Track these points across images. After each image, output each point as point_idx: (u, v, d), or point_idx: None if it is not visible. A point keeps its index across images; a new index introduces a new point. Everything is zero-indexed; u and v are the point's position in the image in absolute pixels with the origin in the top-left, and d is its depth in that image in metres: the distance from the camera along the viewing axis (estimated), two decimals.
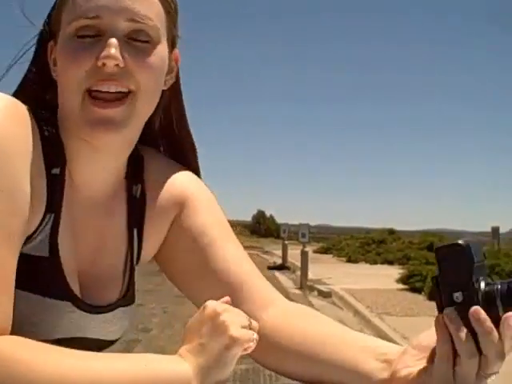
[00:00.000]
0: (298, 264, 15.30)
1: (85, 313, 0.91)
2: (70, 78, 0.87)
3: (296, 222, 18.29)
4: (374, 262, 22.14)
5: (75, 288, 0.91)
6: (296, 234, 18.48)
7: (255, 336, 0.83)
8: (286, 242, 21.27)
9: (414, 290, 12.68)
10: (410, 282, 13.16)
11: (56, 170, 0.89)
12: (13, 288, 0.79)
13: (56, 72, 0.93)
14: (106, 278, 0.97)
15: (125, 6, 0.87)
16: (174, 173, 1.06)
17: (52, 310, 0.87)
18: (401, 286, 13.31)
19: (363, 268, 16.74)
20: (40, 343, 0.77)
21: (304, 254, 14.52)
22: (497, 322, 0.74)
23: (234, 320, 0.82)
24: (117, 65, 0.86)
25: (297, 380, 0.96)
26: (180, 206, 1.04)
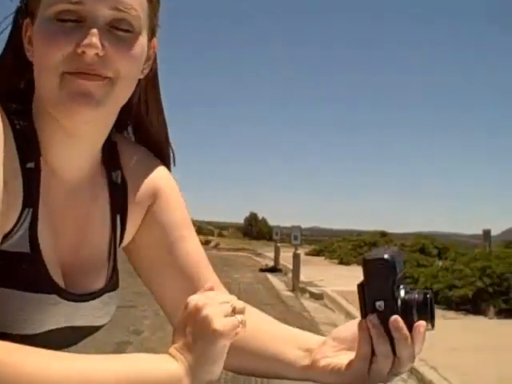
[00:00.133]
0: (290, 266, 15.29)
1: (72, 302, 0.91)
2: (48, 61, 0.86)
3: (288, 225, 18.30)
4: None
5: (59, 280, 0.90)
6: (288, 236, 18.48)
7: (240, 319, 0.83)
8: (279, 244, 21.27)
9: None
10: None
11: (31, 164, 0.89)
12: None
13: (30, 52, 0.91)
14: (90, 265, 0.96)
15: None
16: (149, 162, 1.07)
17: (39, 304, 0.87)
18: None
19: (355, 270, 16.70)
20: (28, 347, 0.77)
21: (296, 257, 14.51)
22: (411, 328, 0.83)
23: (216, 312, 0.81)
24: (96, 54, 0.85)
25: (233, 372, 1.04)
26: (154, 196, 1.05)
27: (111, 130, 0.98)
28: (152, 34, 0.96)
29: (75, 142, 0.92)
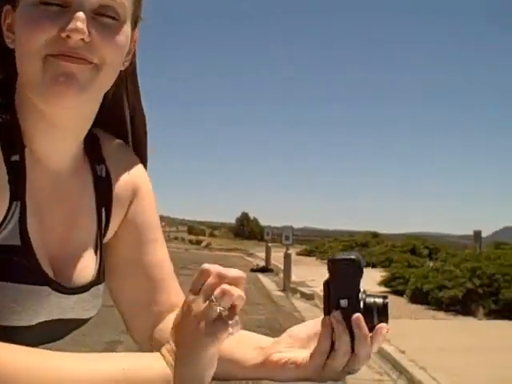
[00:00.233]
0: (282, 266, 15.30)
1: (63, 295, 0.91)
2: (30, 45, 0.85)
3: (280, 225, 18.33)
4: None
5: (49, 272, 0.90)
6: (280, 236, 18.50)
7: (235, 320, 0.79)
8: (270, 244, 21.28)
9: (396, 292, 12.75)
10: (392, 285, 13.24)
11: (15, 157, 0.88)
12: None
13: (10, 38, 0.90)
14: (78, 257, 0.96)
15: None
16: (130, 158, 1.07)
17: (32, 296, 0.87)
18: (383, 288, 13.36)
19: None
20: (18, 346, 0.77)
21: (287, 257, 14.52)
22: (370, 329, 0.87)
23: (207, 314, 0.79)
24: (82, 39, 0.84)
25: None
26: (134, 194, 1.05)
27: (92, 124, 0.97)
28: (134, 24, 0.95)
29: (58, 131, 0.92)
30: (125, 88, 1.03)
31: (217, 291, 0.79)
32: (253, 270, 19.88)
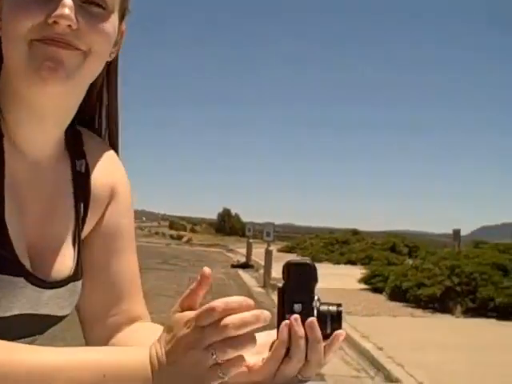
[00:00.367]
0: (262, 263, 15.32)
1: (38, 288, 0.89)
2: (15, 30, 0.84)
3: (261, 221, 18.35)
4: (337, 262, 22.32)
5: (26, 263, 0.88)
6: (261, 232, 18.52)
7: (223, 374, 0.74)
8: (251, 240, 21.30)
9: (376, 290, 12.84)
10: (372, 283, 13.33)
11: None
12: None
13: None
14: (55, 251, 0.95)
15: None
16: (111, 157, 1.05)
17: (7, 286, 0.85)
18: (363, 286, 13.45)
19: (326, 268, 16.85)
20: None
21: (268, 253, 14.55)
22: (324, 337, 0.85)
23: (203, 360, 0.73)
24: (69, 26, 0.83)
25: None
26: (111, 196, 1.03)
27: (74, 120, 0.96)
28: (122, 16, 0.94)
29: (40, 120, 0.90)
30: (106, 81, 1.02)
31: (218, 343, 0.73)
32: (233, 266, 19.89)
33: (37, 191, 0.94)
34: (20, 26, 0.83)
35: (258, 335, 0.81)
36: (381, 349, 6.90)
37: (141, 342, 0.90)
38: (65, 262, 0.95)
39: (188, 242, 43.63)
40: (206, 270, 0.78)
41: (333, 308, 0.87)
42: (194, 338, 0.73)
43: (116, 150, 1.08)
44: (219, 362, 0.73)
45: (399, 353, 6.66)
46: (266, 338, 0.88)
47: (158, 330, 0.82)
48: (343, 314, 0.87)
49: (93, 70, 0.90)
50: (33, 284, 0.88)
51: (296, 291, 0.87)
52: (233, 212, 64.91)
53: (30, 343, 0.89)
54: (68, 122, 0.95)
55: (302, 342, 0.84)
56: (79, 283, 0.97)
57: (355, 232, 31.10)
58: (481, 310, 10.12)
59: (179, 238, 48.97)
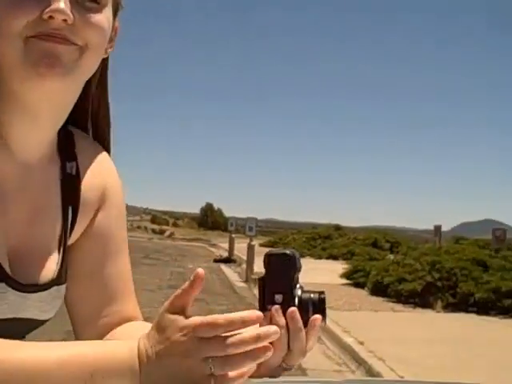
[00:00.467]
0: (244, 257, 15.34)
1: (19, 292, 0.88)
2: (10, 27, 0.83)
3: (244, 216, 18.35)
4: (320, 257, 22.43)
5: (6, 266, 0.87)
6: (243, 227, 18.53)
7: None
8: (233, 235, 21.32)
9: (358, 285, 12.93)
10: (354, 278, 13.41)
11: None
12: None
13: None
14: (39, 255, 0.93)
15: None
16: (103, 159, 1.04)
17: None
18: (345, 280, 13.53)
19: (308, 262, 16.91)
20: None
21: (250, 248, 14.57)
22: (305, 324, 0.85)
23: (200, 369, 0.71)
24: (65, 20, 0.82)
25: None
26: (102, 199, 1.02)
27: (67, 120, 0.95)
28: (115, 12, 0.93)
29: (34, 120, 0.89)
30: (98, 80, 1.00)
31: (217, 358, 0.72)
32: (216, 261, 19.89)
33: (23, 192, 0.92)
34: (15, 22, 0.82)
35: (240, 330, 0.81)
36: (362, 343, 6.95)
37: (131, 338, 0.86)
38: (48, 265, 0.93)
39: (170, 236, 43.52)
40: (200, 271, 0.76)
41: (315, 296, 0.88)
42: (191, 347, 0.71)
43: (108, 150, 1.06)
44: (215, 374, 0.72)
45: (380, 347, 6.71)
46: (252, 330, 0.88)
47: (148, 327, 0.79)
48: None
49: (89, 65, 0.89)
50: (13, 288, 0.86)
51: (276, 282, 0.87)
52: (215, 207, 64.83)
53: None
54: (62, 121, 0.93)
55: (283, 332, 0.83)
56: (63, 287, 0.95)
57: (337, 227, 31.24)
58: (461, 305, 10.23)
59: (161, 232, 48.79)
